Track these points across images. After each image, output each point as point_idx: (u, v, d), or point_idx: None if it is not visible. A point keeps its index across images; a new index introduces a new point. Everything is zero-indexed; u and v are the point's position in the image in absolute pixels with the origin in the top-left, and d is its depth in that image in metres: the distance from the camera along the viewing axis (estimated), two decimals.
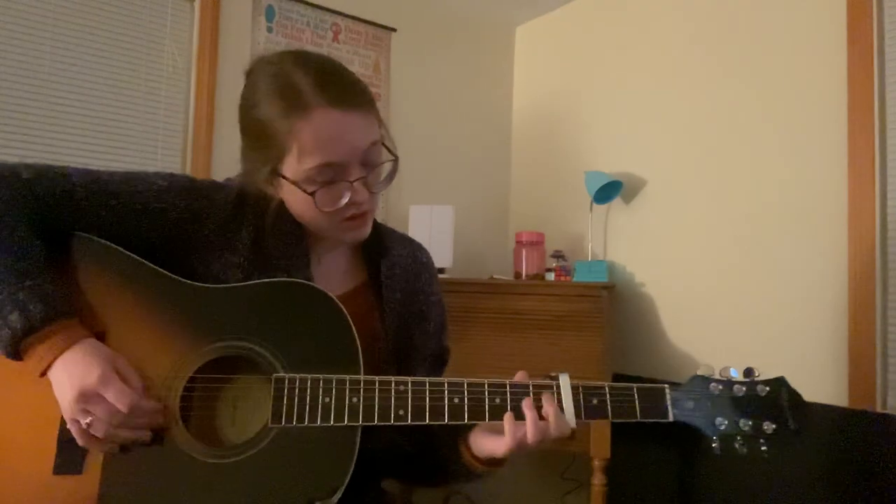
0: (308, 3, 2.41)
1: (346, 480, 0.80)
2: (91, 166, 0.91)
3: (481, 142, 2.92)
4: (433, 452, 0.97)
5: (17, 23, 1.87)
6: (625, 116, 2.52)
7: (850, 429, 1.82)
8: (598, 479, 1.94)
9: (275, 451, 0.82)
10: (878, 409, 1.78)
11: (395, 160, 0.90)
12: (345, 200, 0.85)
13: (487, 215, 2.91)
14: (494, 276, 2.43)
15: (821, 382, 1.89)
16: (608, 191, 2.40)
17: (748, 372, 0.88)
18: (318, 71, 0.86)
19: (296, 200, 0.89)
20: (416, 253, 1.07)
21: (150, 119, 2.10)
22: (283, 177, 0.86)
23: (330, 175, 0.85)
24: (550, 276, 2.39)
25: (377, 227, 1.04)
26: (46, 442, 0.81)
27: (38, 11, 1.90)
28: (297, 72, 0.85)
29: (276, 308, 0.87)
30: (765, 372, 0.89)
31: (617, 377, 2.10)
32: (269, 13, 2.33)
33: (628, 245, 2.47)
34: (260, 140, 0.87)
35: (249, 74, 0.90)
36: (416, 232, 2.37)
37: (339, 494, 0.79)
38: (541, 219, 2.77)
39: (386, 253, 1.02)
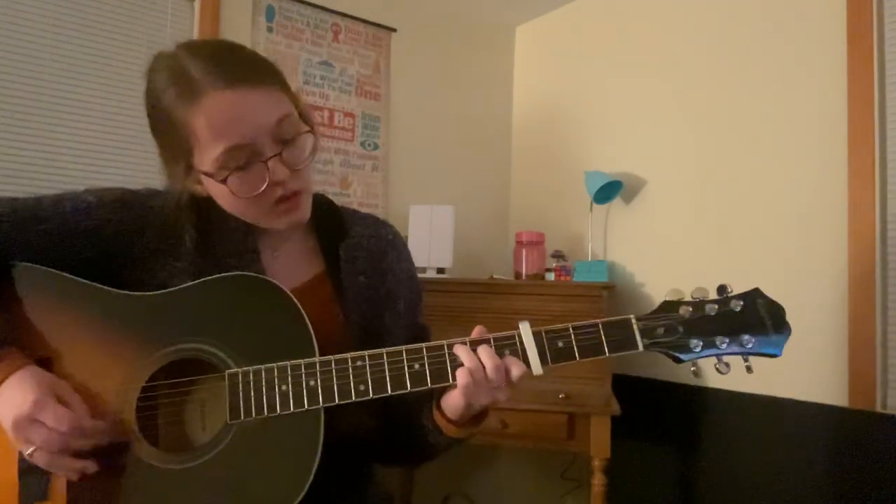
0: (308, 3, 2.40)
1: (312, 472, 0.78)
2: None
3: (481, 142, 2.92)
4: (406, 424, 0.94)
5: (17, 23, 1.86)
6: (625, 116, 2.52)
7: (850, 429, 1.82)
8: (598, 479, 1.94)
9: (237, 449, 0.80)
10: (878, 409, 1.78)
11: (312, 131, 0.87)
12: (265, 185, 0.82)
13: (487, 215, 2.90)
14: (494, 276, 2.43)
15: (821, 382, 1.89)
16: (608, 191, 2.40)
17: (721, 289, 0.84)
18: (210, 55, 0.83)
19: (219, 194, 0.86)
20: (379, 231, 1.02)
21: None
22: (199, 171, 0.84)
23: (242, 159, 0.81)
24: (550, 276, 2.39)
25: (336, 210, 1.01)
26: (10, 473, 0.80)
27: (38, 11, 1.90)
28: (189, 59, 0.82)
29: (222, 305, 0.85)
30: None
31: (617, 377, 2.10)
32: (269, 13, 2.33)
33: (628, 245, 2.47)
34: (167, 137, 0.86)
35: (149, 72, 0.86)
36: (415, 232, 2.37)
37: (303, 491, 0.77)
38: (541, 219, 2.77)
39: (345, 236, 0.98)
